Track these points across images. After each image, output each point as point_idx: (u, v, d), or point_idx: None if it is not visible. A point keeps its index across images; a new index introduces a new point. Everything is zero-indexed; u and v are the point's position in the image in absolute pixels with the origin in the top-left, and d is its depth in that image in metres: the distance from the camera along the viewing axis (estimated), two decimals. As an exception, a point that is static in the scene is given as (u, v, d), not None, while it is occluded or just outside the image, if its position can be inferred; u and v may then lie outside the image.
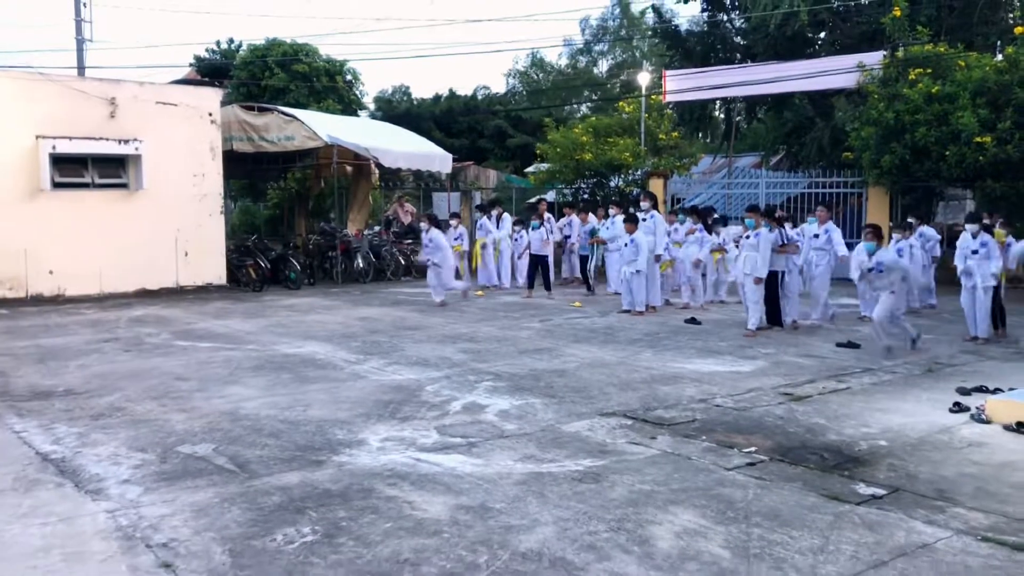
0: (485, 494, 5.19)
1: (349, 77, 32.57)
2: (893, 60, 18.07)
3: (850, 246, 13.41)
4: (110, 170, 16.56)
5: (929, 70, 17.11)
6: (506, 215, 18.85)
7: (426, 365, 9.32)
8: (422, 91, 70.93)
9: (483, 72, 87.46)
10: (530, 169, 34.16)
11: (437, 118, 43.64)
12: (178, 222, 17.19)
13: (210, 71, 37.58)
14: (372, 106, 43.67)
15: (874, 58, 18.63)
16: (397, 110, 45.29)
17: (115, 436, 6.46)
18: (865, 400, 7.77)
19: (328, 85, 30.90)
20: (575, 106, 47.90)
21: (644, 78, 23.32)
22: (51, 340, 11.10)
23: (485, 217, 18.44)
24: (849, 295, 14.43)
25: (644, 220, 14.49)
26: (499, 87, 55.30)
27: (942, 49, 17.57)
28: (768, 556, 4.30)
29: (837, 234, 13.04)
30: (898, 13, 18.14)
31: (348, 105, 30.72)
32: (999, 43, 20.73)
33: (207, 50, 42.99)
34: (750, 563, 4.22)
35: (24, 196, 15.54)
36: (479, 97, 49.15)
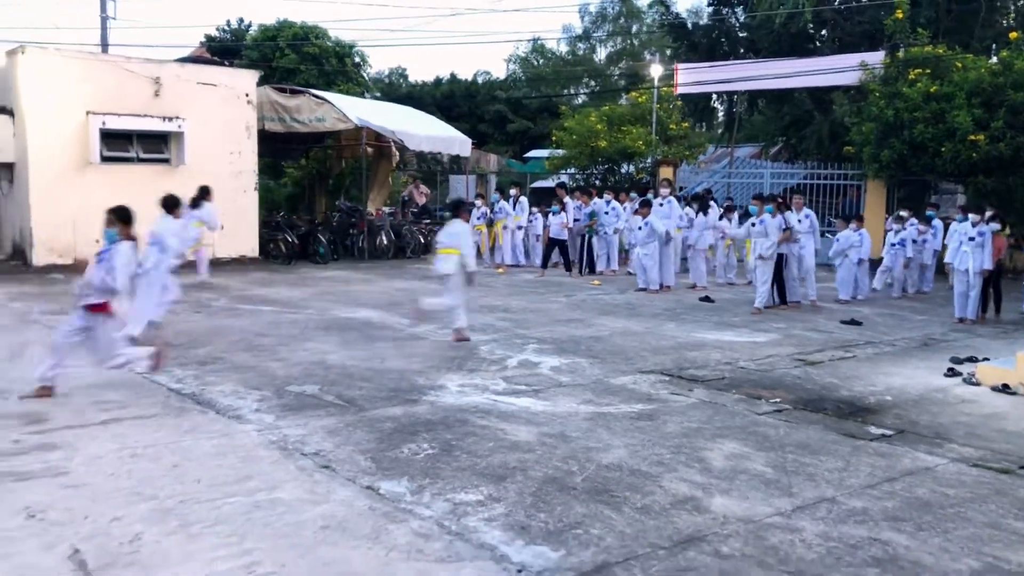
0: (561, 426, 6.23)
1: (357, 59, 33.44)
2: (894, 60, 19.12)
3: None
4: (153, 146, 17.46)
5: (928, 70, 18.16)
6: (523, 198, 19.89)
7: (473, 330, 10.31)
8: (419, 75, 71.84)
9: (483, 57, 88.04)
10: (543, 154, 35.12)
11: (438, 102, 44.39)
12: (215, 197, 18.07)
13: (220, 51, 38.34)
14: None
15: (876, 57, 19.68)
16: (397, 92, 46.12)
17: (228, 378, 7.48)
18: (870, 366, 8.85)
19: (337, 68, 31.73)
20: (574, 94, 48.76)
21: (656, 70, 24.32)
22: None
23: (504, 200, 19.42)
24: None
25: (661, 205, 15.55)
26: (500, 72, 56.01)
27: (941, 51, 18.63)
28: (802, 472, 5.37)
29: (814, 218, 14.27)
30: (900, 15, 19.18)
31: (356, 87, 31.58)
32: (994, 46, 21.80)
33: (218, 29, 43.67)
34: (789, 476, 5.28)
35: (75, 168, 16.42)
36: (479, 82, 50.03)
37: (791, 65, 21.91)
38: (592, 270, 17.62)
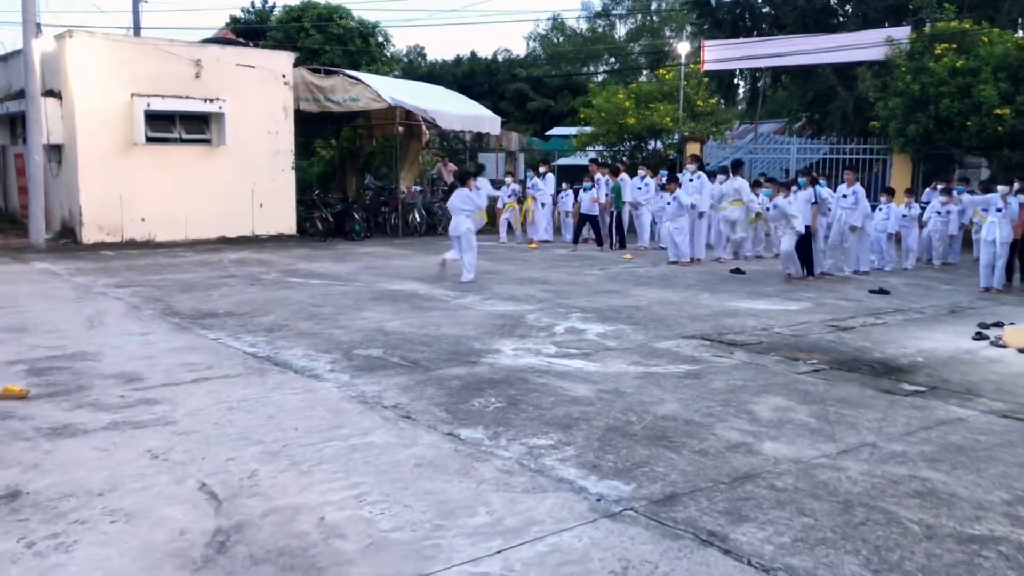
0: (615, 383, 6.70)
1: (381, 39, 33.85)
2: (920, 35, 19.32)
3: (873, 208, 14.95)
4: (195, 126, 18.00)
5: (954, 45, 18.38)
6: (550, 174, 20.29)
7: (517, 300, 10.81)
8: (438, 53, 71.98)
9: (503, 34, 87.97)
10: (565, 132, 35.40)
11: (458, 80, 44.68)
12: (254, 176, 18.66)
13: (245, 32, 38.82)
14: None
15: (902, 33, 19.90)
16: (418, 71, 46.46)
17: (296, 343, 8.00)
18: (901, 331, 9.26)
19: (361, 48, 32.14)
20: (595, 72, 48.88)
21: (683, 47, 24.58)
22: (177, 276, 12.62)
23: (537, 177, 19.82)
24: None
25: (691, 180, 15.92)
26: (520, 50, 56.19)
27: (967, 25, 18.82)
28: (844, 422, 5.82)
29: (863, 194, 14.45)
30: (927, -10, 19.40)
31: (382, 66, 31.97)
32: (1020, 20, 21.92)
33: (242, 10, 44.13)
34: (832, 425, 5.73)
35: (121, 149, 16.99)
36: (500, 60, 50.24)
37: (816, 41, 22.13)
38: (623, 245, 18.03)
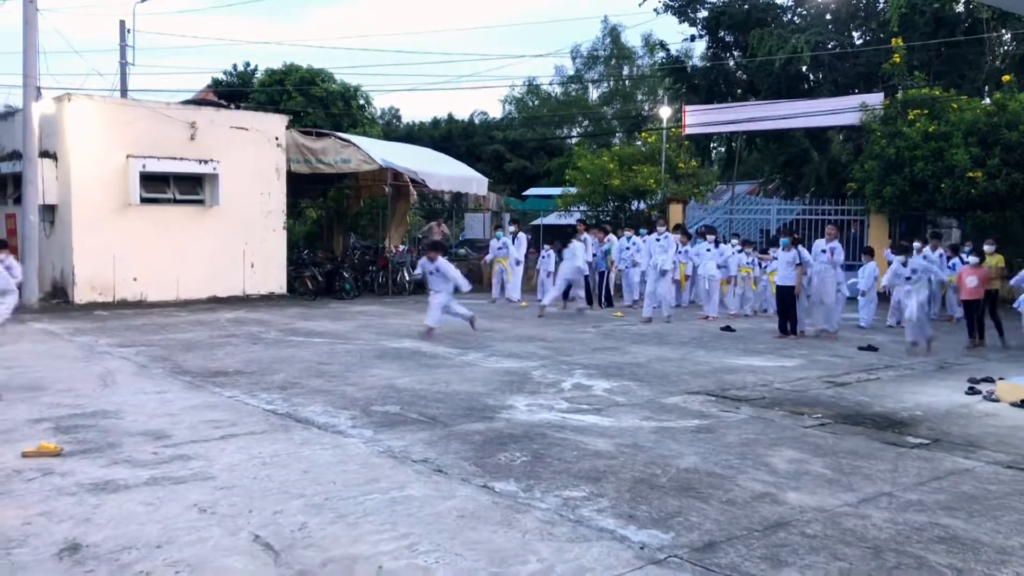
0: (632, 438, 6.90)
1: (362, 101, 34.49)
2: (894, 101, 20.13)
3: (852, 267, 15.37)
4: (189, 187, 18.22)
5: (926, 111, 19.14)
6: (521, 234, 20.58)
7: (519, 357, 11.02)
8: (414, 115, 73.09)
9: (479, 98, 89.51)
10: (541, 192, 35.94)
11: (436, 142, 45.40)
12: (246, 236, 18.84)
13: (228, 94, 39.31)
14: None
15: (876, 99, 20.70)
16: (395, 133, 47.17)
17: (313, 400, 8.13)
18: (896, 386, 9.57)
19: (343, 110, 32.68)
20: (569, 136, 49.84)
21: (665, 111, 25.33)
22: (178, 335, 12.70)
23: (506, 236, 20.13)
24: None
25: (658, 240, 16.29)
26: (496, 112, 57.17)
27: (937, 92, 19.63)
28: (858, 473, 6.05)
29: (840, 251, 14.85)
30: (898, 59, 20.23)
31: (367, 128, 32.50)
32: (986, 87, 22.87)
33: (224, 72, 44.69)
34: (847, 476, 5.96)
35: (115, 209, 17.15)
36: (476, 122, 51.17)
37: (792, 106, 22.93)
38: (610, 303, 18.34)
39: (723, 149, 35.25)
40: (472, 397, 8.41)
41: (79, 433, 6.71)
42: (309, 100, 32.00)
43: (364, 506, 5.07)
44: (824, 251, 14.25)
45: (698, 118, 23.47)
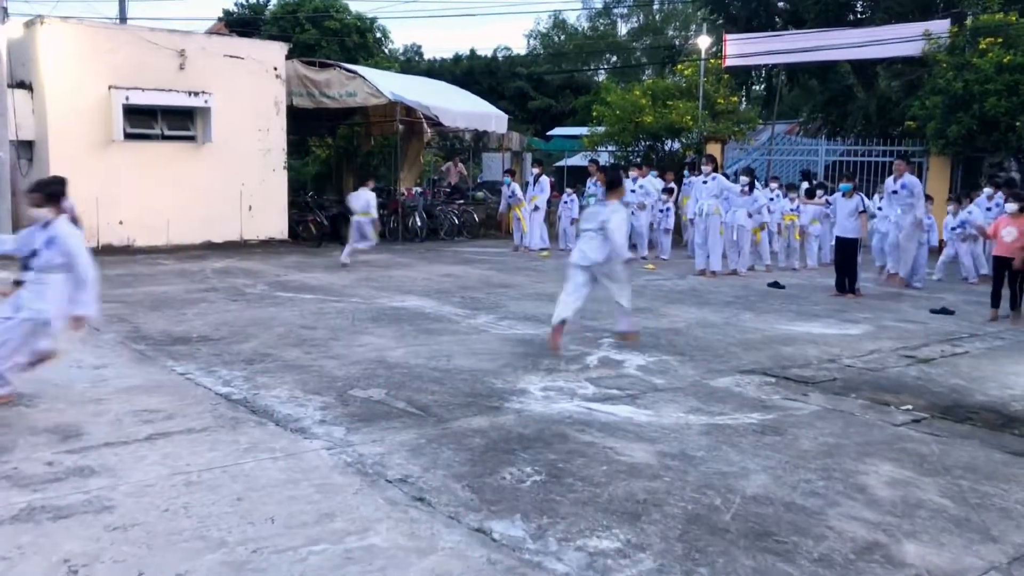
0: (678, 442, 5.33)
1: (379, 34, 32.46)
2: (962, 28, 18.00)
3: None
4: (178, 122, 16.60)
5: (1000, 39, 17.04)
6: (544, 177, 18.63)
7: (537, 321, 9.43)
8: (436, 52, 70.58)
9: (502, 33, 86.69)
10: (566, 132, 33.96)
11: (457, 79, 43.43)
12: (243, 176, 17.27)
13: (239, 25, 37.47)
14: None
15: (941, 26, 18.57)
16: (415, 70, 45.12)
17: (281, 380, 6.61)
18: (991, 363, 7.91)
19: (359, 43, 30.72)
20: (595, 69, 47.61)
21: (704, 41, 23.24)
22: (150, 288, 11.23)
23: (515, 182, 18.43)
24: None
25: (705, 183, 14.44)
26: (520, 48, 54.90)
27: (1013, 19, 17.49)
28: (990, 506, 4.45)
29: (919, 185, 12.98)
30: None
31: (381, 62, 30.63)
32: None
33: (235, 3, 42.71)
34: (977, 512, 4.36)
35: (97, 146, 15.60)
36: (500, 58, 48.89)
37: (843, 35, 20.81)
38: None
39: (761, 87, 33.09)
40: (476, 377, 6.85)
41: (-34, 430, 5.24)
42: (323, 33, 30.09)
43: (304, 566, 3.55)
44: (895, 191, 12.44)
45: (740, 48, 21.36)
